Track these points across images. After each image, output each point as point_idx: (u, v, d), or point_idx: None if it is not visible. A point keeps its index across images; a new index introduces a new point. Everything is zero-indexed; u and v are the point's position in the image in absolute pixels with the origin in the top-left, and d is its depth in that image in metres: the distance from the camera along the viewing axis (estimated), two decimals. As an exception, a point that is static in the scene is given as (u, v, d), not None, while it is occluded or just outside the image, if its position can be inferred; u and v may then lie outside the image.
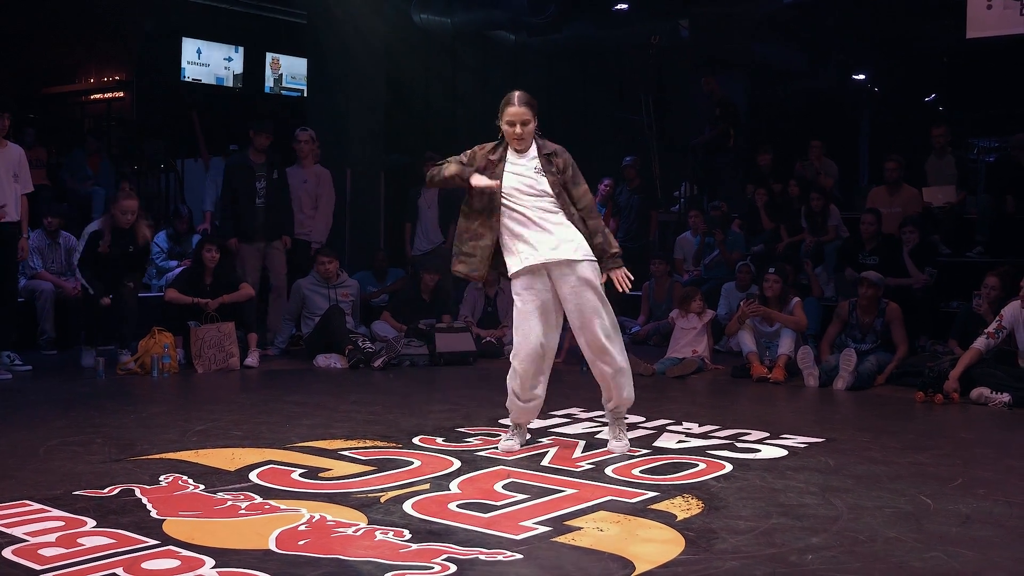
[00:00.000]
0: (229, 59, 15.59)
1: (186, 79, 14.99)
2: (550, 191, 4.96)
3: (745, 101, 15.74)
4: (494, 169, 5.01)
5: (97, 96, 15.66)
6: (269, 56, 16.00)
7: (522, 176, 4.99)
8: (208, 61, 15.27)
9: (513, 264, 5.01)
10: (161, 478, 4.36)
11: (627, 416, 5.33)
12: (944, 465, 4.93)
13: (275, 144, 9.21)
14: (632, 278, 5.11)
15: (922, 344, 8.41)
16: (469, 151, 5.13)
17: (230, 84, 15.53)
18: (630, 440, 5.24)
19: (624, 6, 14.15)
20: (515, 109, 4.96)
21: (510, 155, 5.04)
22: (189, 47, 15.01)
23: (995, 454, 5.39)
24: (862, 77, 19.32)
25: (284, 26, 15.39)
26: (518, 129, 4.95)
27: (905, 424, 6.21)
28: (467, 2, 14.34)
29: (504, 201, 4.98)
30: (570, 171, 5.03)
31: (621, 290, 5.06)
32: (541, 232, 4.94)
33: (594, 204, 5.13)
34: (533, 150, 5.03)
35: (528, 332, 4.99)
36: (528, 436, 5.30)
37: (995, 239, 9.84)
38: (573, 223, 4.97)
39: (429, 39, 15.01)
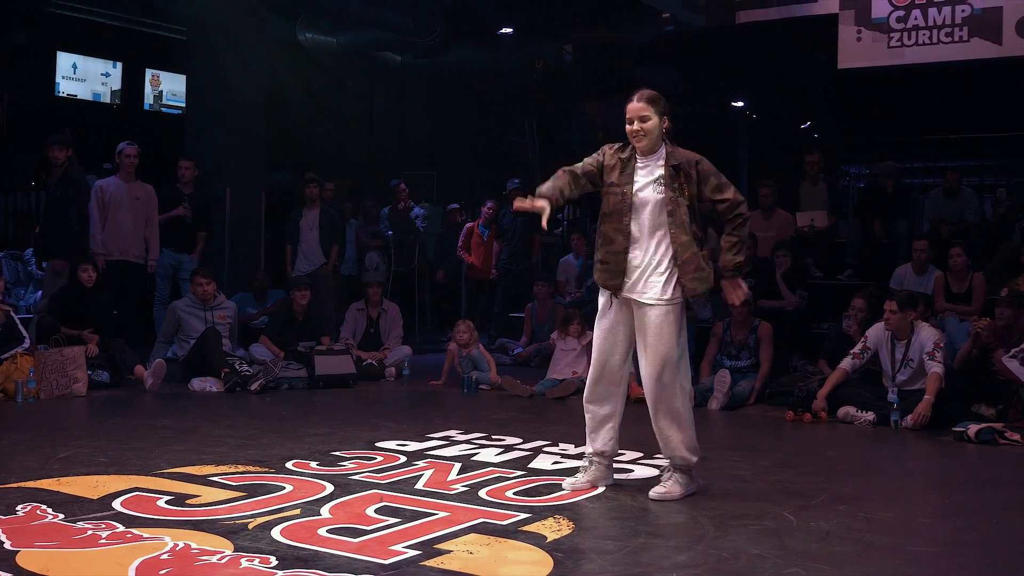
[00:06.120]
0: (107, 74, 15.18)
1: (60, 94, 14.55)
2: (666, 207, 4.63)
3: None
4: (624, 168, 4.73)
5: (-34, 110, 15.10)
6: (149, 72, 15.64)
7: (648, 182, 4.70)
8: (84, 76, 14.85)
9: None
10: (18, 508, 4.20)
11: (685, 464, 4.78)
12: (809, 482, 5.07)
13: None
14: (747, 290, 4.87)
15: (794, 364, 8.64)
16: (599, 151, 4.87)
17: (108, 100, 15.14)
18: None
19: (509, 30, 14.26)
20: (633, 104, 4.72)
21: (639, 156, 4.74)
22: (64, 61, 14.57)
23: (857, 471, 5.59)
24: (741, 104, 19.89)
25: (164, 42, 15.07)
26: (636, 125, 4.67)
27: (775, 443, 6.37)
28: (353, 22, 14.27)
29: (633, 201, 4.69)
30: (711, 180, 4.65)
31: (731, 302, 4.88)
32: (643, 253, 4.65)
33: (734, 212, 4.66)
34: (661, 156, 4.72)
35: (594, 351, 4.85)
36: (600, 472, 4.93)
37: (864, 262, 10.18)
38: (687, 244, 4.61)
39: (314, 58, 14.91)
